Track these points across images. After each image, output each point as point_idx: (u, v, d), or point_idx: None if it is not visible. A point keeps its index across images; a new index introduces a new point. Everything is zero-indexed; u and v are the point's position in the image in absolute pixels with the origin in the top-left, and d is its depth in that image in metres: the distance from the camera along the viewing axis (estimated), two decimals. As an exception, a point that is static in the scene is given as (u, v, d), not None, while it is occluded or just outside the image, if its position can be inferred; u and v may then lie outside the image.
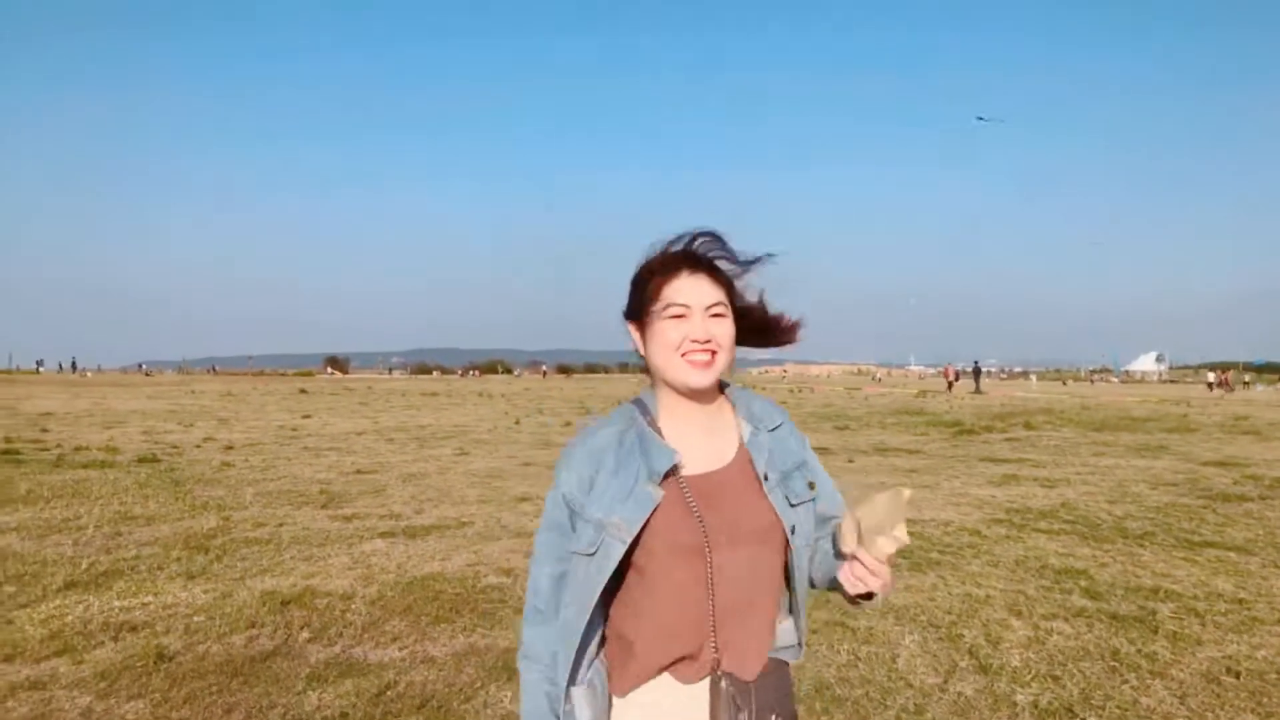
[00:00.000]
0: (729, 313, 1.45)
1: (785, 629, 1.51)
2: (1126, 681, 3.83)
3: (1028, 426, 19.08)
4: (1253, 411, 25.70)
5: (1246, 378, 70.78)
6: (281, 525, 7.36)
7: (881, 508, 1.34)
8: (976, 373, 47.07)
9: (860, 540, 1.35)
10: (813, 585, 1.57)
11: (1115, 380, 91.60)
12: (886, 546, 1.32)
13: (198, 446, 13.89)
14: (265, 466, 11.40)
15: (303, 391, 39.78)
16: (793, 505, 1.48)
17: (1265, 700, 3.60)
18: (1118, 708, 3.55)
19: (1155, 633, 4.48)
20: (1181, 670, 3.95)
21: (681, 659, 1.42)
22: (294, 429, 17.79)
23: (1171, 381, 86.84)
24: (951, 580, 5.57)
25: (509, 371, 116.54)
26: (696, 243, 1.48)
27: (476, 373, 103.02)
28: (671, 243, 1.48)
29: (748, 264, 1.49)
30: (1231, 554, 6.38)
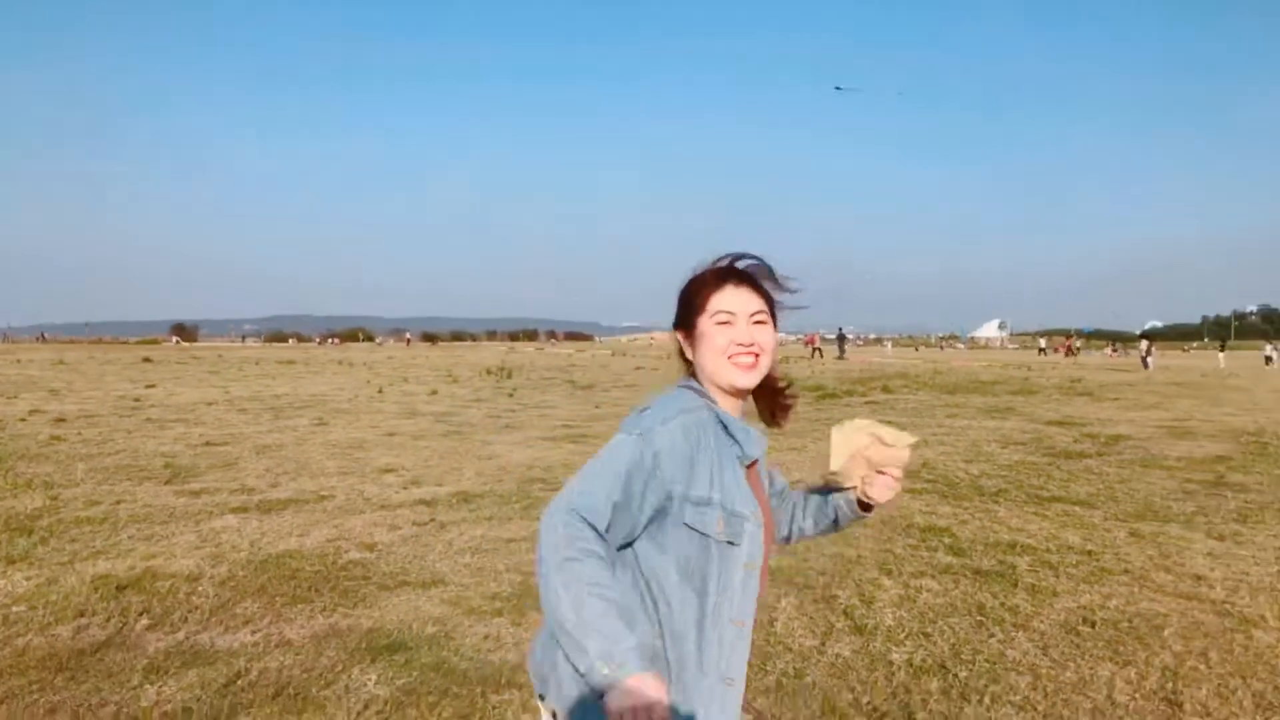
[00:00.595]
0: (770, 320, 1.59)
1: None
2: (993, 635, 3.93)
3: (886, 390, 19.82)
4: (1085, 374, 27.58)
5: (1078, 344, 76.00)
6: (119, 503, 6.77)
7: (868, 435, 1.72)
8: (840, 339, 48.72)
9: (872, 462, 1.71)
10: (795, 537, 1.85)
11: (962, 346, 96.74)
12: (902, 456, 1.73)
13: (22, 420, 12.72)
14: (102, 440, 10.53)
15: (146, 360, 37.31)
16: None
17: (1121, 649, 3.75)
18: (986, 661, 3.62)
19: (1015, 586, 4.64)
20: (1042, 622, 4.09)
21: None
22: (136, 400, 16.59)
23: (1014, 347, 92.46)
24: (823, 541, 5.63)
25: (371, 339, 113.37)
26: (741, 262, 1.62)
27: (336, 341, 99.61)
28: (718, 261, 1.62)
29: (790, 291, 1.64)
30: (1077, 508, 6.72)
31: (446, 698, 3.27)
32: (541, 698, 1.49)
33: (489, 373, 28.37)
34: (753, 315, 1.54)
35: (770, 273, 1.62)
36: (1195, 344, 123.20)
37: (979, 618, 4.15)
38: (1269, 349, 46.20)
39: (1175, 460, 9.19)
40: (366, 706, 3.19)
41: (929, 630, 3.98)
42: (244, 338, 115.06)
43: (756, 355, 1.54)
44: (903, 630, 4.00)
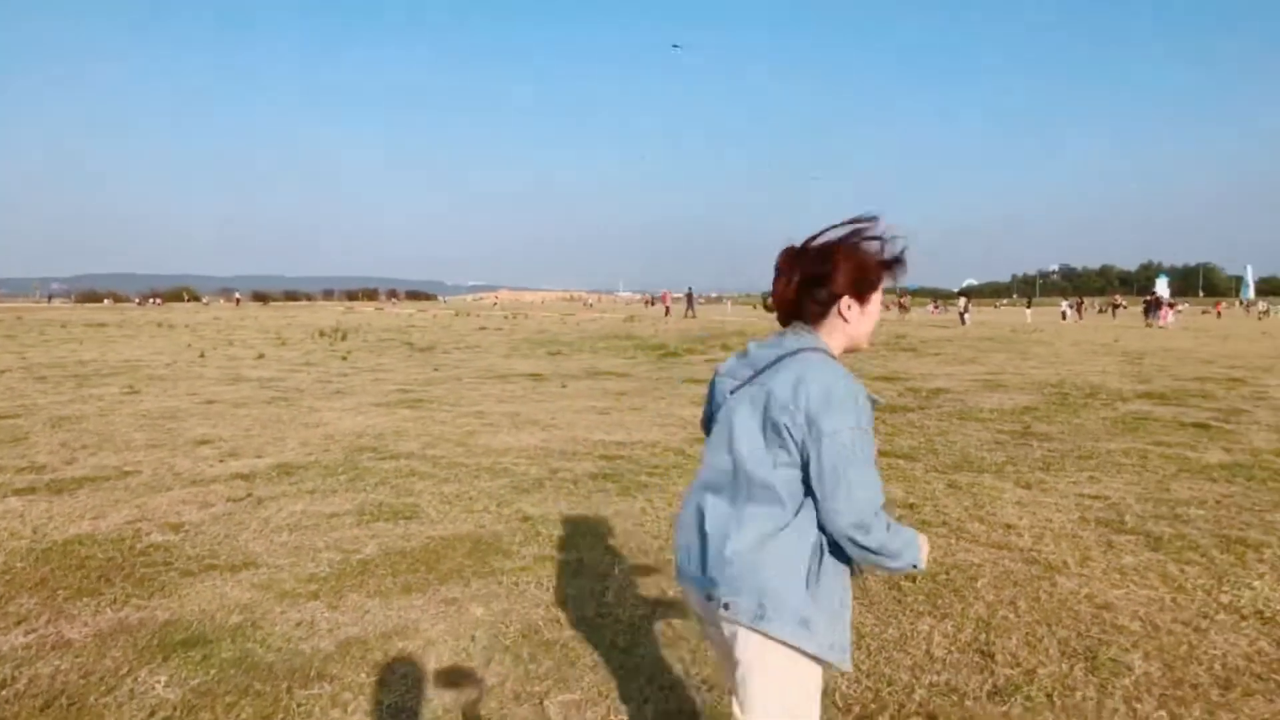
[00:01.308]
0: None
1: None
2: (820, 594, 3.97)
3: (725, 348, 20.19)
4: (909, 331, 29.09)
5: (908, 301, 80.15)
6: (-125, 489, 5.98)
7: None
8: (690, 298, 49.89)
9: None
10: None
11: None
12: None
13: None
14: None
15: (-73, 324, 33.65)
16: None
17: (939, 602, 3.88)
18: (813, 622, 3.65)
19: (843, 543, 4.72)
20: (867, 579, 4.17)
21: None
22: (-91, 369, 14.86)
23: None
24: (659, 503, 5.60)
25: (197, 299, 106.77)
26: (896, 246, 1.90)
27: (158, 301, 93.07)
28: (879, 236, 1.88)
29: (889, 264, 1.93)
30: (900, 461, 7.00)
31: (247, 696, 2.99)
32: (761, 618, 1.72)
33: (322, 334, 27.15)
34: None
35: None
36: (1005, 300, 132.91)
37: (807, 577, 4.19)
38: (1064, 305, 50.55)
39: (989, 412, 9.76)
40: (152, 713, 2.87)
41: (759, 592, 3.99)
42: (50, 298, 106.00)
43: None
44: (734, 594, 3.99)
